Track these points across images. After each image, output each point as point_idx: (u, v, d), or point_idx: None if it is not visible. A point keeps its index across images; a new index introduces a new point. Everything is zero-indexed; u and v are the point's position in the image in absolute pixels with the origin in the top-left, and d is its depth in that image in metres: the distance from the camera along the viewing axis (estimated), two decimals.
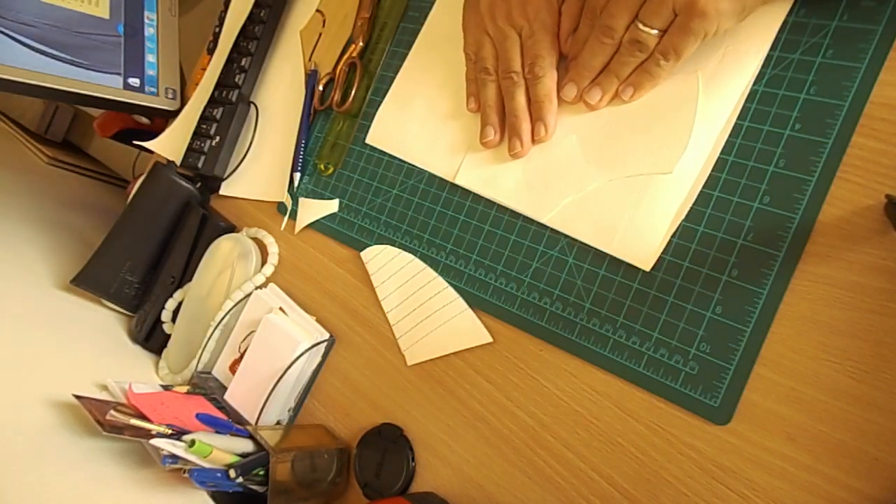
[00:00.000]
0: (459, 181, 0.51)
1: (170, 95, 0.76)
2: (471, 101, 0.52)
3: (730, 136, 0.41)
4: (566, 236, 0.46)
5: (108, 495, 0.44)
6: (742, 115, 0.41)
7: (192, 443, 0.45)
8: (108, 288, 0.66)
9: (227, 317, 0.60)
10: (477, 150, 0.51)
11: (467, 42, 0.52)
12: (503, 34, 0.48)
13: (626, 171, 0.44)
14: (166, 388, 0.56)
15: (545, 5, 0.46)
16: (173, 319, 0.65)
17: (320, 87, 0.64)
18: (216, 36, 0.73)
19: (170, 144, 0.71)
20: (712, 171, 0.41)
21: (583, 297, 0.44)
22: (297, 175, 0.62)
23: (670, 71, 0.43)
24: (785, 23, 0.41)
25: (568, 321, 0.44)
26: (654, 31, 0.40)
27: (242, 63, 0.68)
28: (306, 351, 0.54)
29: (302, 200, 0.62)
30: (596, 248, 0.44)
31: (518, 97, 0.48)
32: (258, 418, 0.53)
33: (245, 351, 0.57)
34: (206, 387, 0.59)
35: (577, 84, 0.46)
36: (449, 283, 0.50)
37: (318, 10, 0.68)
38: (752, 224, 0.39)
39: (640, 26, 0.40)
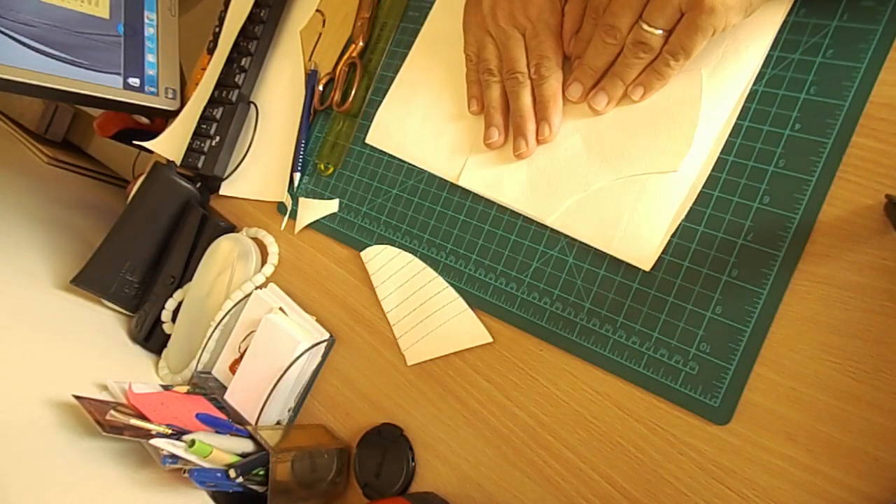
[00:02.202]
0: (463, 183, 0.51)
1: (170, 95, 0.76)
2: (472, 103, 0.52)
3: (730, 135, 0.41)
4: (566, 236, 0.46)
5: (108, 495, 0.44)
6: (742, 115, 0.41)
7: (192, 443, 0.45)
8: (108, 288, 0.66)
9: (227, 317, 0.60)
10: (480, 152, 0.51)
11: (468, 43, 0.51)
12: (506, 35, 0.48)
13: (631, 171, 0.44)
14: (166, 388, 0.56)
15: (548, 5, 0.46)
16: (173, 319, 0.65)
17: (320, 87, 0.64)
18: (216, 36, 0.73)
19: (170, 144, 0.71)
20: (712, 170, 0.41)
21: (583, 297, 0.44)
22: (297, 175, 0.62)
23: (680, 70, 0.42)
24: (785, 22, 0.41)
25: (568, 321, 0.44)
26: (659, 32, 0.40)
27: (242, 63, 0.68)
28: (306, 351, 0.54)
29: (302, 200, 0.62)
30: (596, 248, 0.44)
31: (524, 97, 0.48)
32: (258, 418, 0.53)
33: (245, 351, 0.57)
34: (206, 387, 0.59)
35: (582, 84, 0.46)
36: (449, 282, 0.50)
37: (318, 10, 0.68)
38: (752, 224, 0.39)
39: (645, 27, 0.40)
